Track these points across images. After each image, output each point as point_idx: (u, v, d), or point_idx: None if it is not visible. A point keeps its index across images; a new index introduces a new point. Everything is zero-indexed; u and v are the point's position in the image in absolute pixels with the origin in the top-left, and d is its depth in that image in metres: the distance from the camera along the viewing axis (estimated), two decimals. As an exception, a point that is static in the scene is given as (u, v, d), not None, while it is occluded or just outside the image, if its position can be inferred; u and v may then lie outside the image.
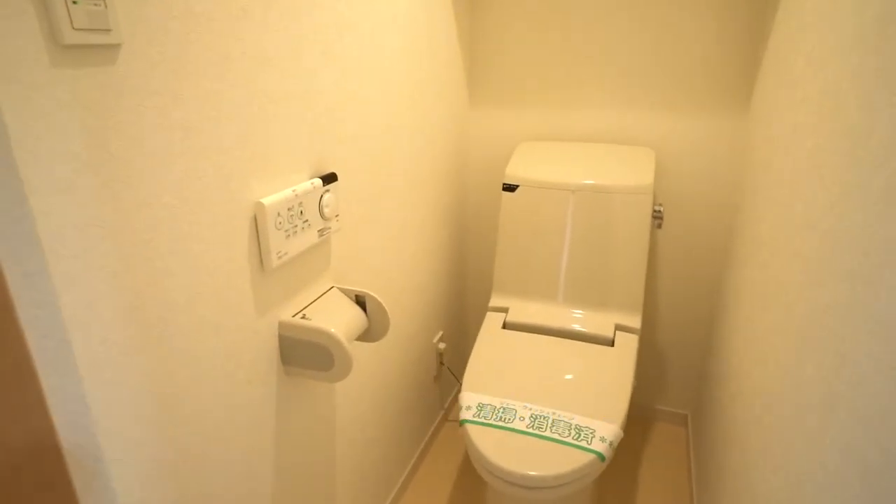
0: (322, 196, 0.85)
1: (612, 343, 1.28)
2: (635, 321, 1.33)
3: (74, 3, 0.47)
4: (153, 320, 0.60)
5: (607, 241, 1.33)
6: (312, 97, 0.83)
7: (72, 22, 0.47)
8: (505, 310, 1.38)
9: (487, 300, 1.81)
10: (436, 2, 1.25)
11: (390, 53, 1.06)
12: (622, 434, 1.04)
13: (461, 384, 1.18)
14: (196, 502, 0.70)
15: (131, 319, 0.57)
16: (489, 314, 1.39)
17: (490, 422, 1.05)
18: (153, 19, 0.55)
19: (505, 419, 1.05)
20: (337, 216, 0.89)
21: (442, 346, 1.58)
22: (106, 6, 0.49)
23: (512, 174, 1.38)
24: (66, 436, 0.53)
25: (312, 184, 0.82)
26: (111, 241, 0.54)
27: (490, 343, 1.28)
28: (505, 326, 1.34)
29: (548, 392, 1.12)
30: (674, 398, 1.71)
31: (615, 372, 1.18)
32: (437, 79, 1.32)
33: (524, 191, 1.37)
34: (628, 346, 1.26)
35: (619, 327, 1.32)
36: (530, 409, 1.07)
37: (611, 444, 1.01)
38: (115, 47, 0.52)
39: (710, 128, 1.40)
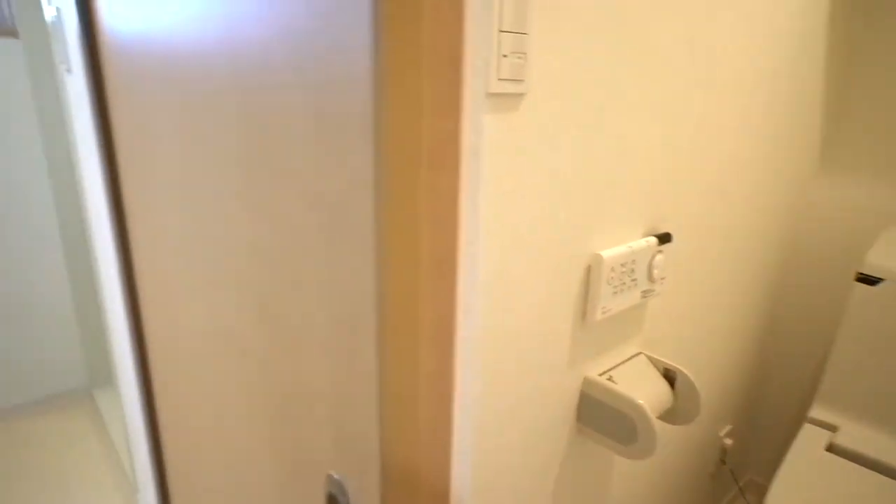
0: (654, 256, 0.79)
1: None
2: None
3: (505, 56, 0.51)
4: (492, 347, 0.63)
5: None
6: (655, 152, 0.78)
7: (499, 72, 0.51)
8: (832, 427, 1.10)
9: (792, 404, 1.49)
10: (807, 53, 1.08)
11: (740, 114, 0.95)
12: None
13: (739, 488, 0.98)
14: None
15: (484, 342, 0.61)
16: (807, 427, 1.12)
17: (804, 568, 0.83)
18: (553, 71, 0.58)
19: (826, 573, 0.82)
20: (663, 279, 0.83)
21: (728, 441, 1.35)
22: (526, 59, 0.53)
23: (875, 263, 1.10)
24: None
25: (647, 242, 0.78)
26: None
27: (806, 465, 1.03)
28: (830, 449, 1.07)
29: (894, 560, 0.84)
30: None
31: None
32: (785, 137, 1.15)
33: (890, 287, 1.07)
34: None
35: None
36: (866, 573, 0.82)
37: None
38: (520, 96, 0.56)
39: None
